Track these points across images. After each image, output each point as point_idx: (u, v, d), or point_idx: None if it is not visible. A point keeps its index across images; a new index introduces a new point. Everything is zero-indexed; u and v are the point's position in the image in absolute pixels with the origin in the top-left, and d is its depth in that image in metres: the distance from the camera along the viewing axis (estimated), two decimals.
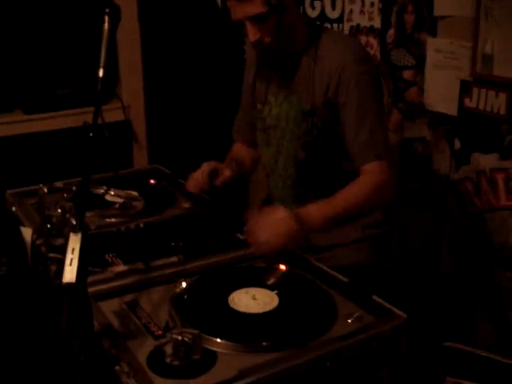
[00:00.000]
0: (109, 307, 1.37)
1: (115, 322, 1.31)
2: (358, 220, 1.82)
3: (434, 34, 2.40)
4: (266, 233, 1.55)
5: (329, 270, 1.51)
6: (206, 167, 1.92)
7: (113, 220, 1.77)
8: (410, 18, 2.50)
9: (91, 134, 1.32)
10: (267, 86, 1.84)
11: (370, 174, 1.68)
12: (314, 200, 1.65)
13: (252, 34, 1.64)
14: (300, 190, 1.84)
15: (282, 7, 1.61)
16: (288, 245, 1.56)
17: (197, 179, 1.91)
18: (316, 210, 1.61)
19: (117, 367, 1.15)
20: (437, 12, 2.37)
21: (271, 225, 1.56)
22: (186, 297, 1.38)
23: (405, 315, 1.31)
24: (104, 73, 1.42)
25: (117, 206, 1.84)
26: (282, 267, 1.51)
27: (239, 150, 2.07)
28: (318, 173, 1.82)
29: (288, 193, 1.87)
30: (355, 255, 1.83)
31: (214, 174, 1.92)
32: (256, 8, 1.59)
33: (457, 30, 2.30)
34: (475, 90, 2.23)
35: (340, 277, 1.48)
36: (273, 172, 1.90)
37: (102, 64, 1.43)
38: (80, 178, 1.89)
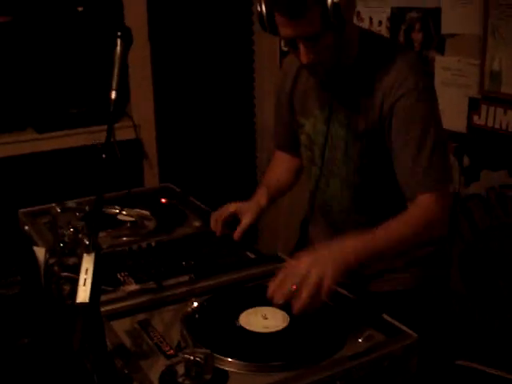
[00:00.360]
0: (121, 326, 1.38)
1: (127, 342, 1.32)
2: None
3: (441, 52, 2.41)
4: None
5: (338, 289, 1.51)
6: (224, 212, 1.81)
7: (124, 239, 1.79)
8: (417, 36, 2.52)
9: (104, 156, 1.34)
10: (311, 98, 1.70)
11: (421, 206, 1.50)
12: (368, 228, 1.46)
13: (304, 56, 1.48)
14: (354, 216, 1.70)
15: (340, 25, 1.44)
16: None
17: (220, 215, 1.82)
18: (353, 246, 1.41)
19: None
20: (444, 30, 2.39)
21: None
22: (197, 316, 1.38)
23: (415, 334, 1.31)
24: (116, 95, 1.45)
25: (128, 225, 1.85)
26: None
27: (279, 165, 1.96)
28: (376, 199, 1.66)
29: (341, 215, 1.73)
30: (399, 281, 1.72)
31: (234, 218, 1.81)
32: (312, 27, 1.43)
33: (464, 48, 2.32)
34: (484, 107, 2.24)
35: (349, 295, 1.48)
36: (321, 192, 1.75)
37: (114, 86, 1.46)
38: (92, 197, 1.92)
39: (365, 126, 1.58)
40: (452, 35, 2.38)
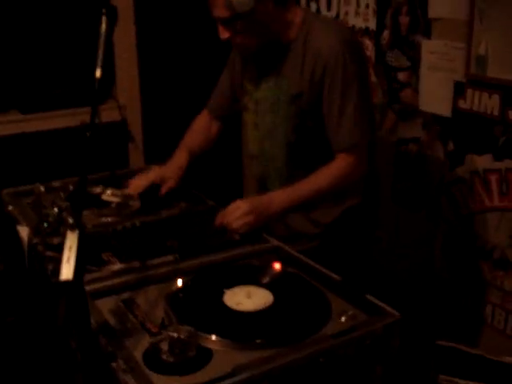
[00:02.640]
0: (105, 305, 1.38)
1: (112, 320, 1.32)
2: (322, 208, 1.90)
3: (428, 36, 2.42)
4: (234, 219, 1.71)
5: (322, 269, 1.52)
6: (151, 175, 1.97)
7: (109, 219, 1.79)
8: (404, 20, 2.52)
9: (88, 134, 1.33)
10: (258, 68, 1.89)
11: (343, 161, 1.78)
12: None
13: (220, 33, 1.76)
14: (291, 173, 1.89)
15: (248, 13, 1.67)
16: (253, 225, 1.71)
17: (138, 184, 1.95)
18: (279, 196, 1.78)
19: (113, 364, 1.16)
20: (431, 14, 2.40)
21: (236, 211, 1.72)
22: (181, 295, 1.39)
23: (397, 313, 1.33)
24: (101, 73, 1.44)
25: (113, 205, 1.85)
26: (277, 266, 1.52)
27: (203, 131, 2.15)
28: (309, 155, 1.87)
29: (277, 174, 1.92)
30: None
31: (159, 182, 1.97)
32: (220, 12, 1.69)
33: (451, 32, 2.32)
34: (469, 92, 2.25)
35: (333, 275, 1.49)
36: (261, 154, 1.95)
37: (99, 64, 1.44)
38: (77, 178, 1.92)
39: (299, 89, 1.78)
40: (438, 19, 2.38)
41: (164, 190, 1.94)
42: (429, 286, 2.25)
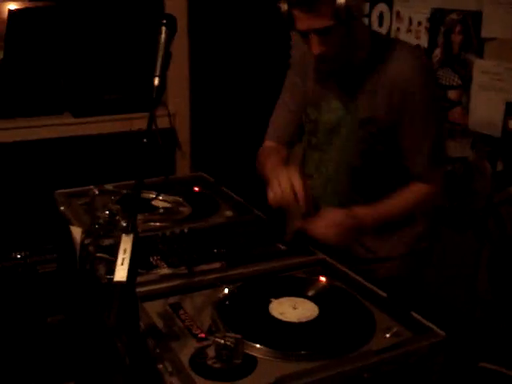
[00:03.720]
0: (153, 308, 1.41)
1: (159, 323, 1.35)
2: (398, 233, 1.84)
3: (480, 56, 2.41)
4: (324, 227, 1.63)
5: (368, 284, 1.53)
6: (294, 176, 1.63)
7: (158, 224, 1.82)
8: (457, 39, 2.51)
9: (145, 140, 1.37)
10: (323, 90, 1.80)
11: (425, 183, 1.75)
12: None
13: (315, 47, 1.60)
14: (351, 197, 1.82)
15: (350, 20, 1.55)
16: (343, 240, 1.65)
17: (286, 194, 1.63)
18: (371, 211, 1.71)
19: (160, 366, 1.19)
20: (484, 33, 2.38)
21: (330, 220, 1.65)
22: (227, 303, 1.41)
23: (443, 333, 1.32)
24: (159, 82, 1.48)
25: (162, 210, 1.88)
26: (322, 279, 1.53)
27: (276, 153, 1.92)
28: (373, 180, 1.81)
29: (335, 198, 1.85)
30: (395, 269, 1.84)
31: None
32: (323, 21, 1.54)
33: (504, 52, 2.31)
34: None
35: (379, 291, 1.50)
36: (320, 175, 1.87)
37: (157, 73, 1.49)
38: (128, 182, 1.96)
39: (370, 114, 1.71)
40: (492, 39, 2.37)
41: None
42: (473, 307, 2.23)
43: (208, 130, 3.28)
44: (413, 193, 1.76)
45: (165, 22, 1.53)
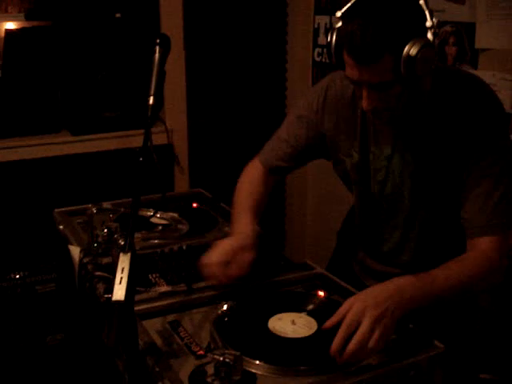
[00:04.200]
0: (152, 326, 1.41)
1: (158, 341, 1.35)
2: None
3: (475, 67, 2.42)
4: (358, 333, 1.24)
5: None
6: (219, 262, 1.53)
7: (156, 241, 1.82)
8: (451, 50, 2.53)
9: (141, 159, 1.38)
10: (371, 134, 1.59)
11: (483, 251, 1.45)
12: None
13: (367, 102, 1.40)
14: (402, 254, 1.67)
15: (411, 78, 1.34)
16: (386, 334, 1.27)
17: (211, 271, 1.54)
18: (409, 284, 1.34)
19: None
20: (478, 44, 2.40)
21: (353, 321, 1.25)
22: (226, 319, 1.41)
23: (442, 345, 1.32)
24: (154, 101, 1.49)
25: (160, 227, 1.89)
26: (321, 293, 1.54)
27: (264, 191, 1.78)
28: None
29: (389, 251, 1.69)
30: None
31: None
32: (380, 77, 1.34)
33: (498, 63, 2.32)
34: None
35: None
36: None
37: (152, 92, 1.50)
38: (126, 200, 1.96)
39: (430, 163, 1.53)
40: (486, 49, 2.38)
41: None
42: (472, 318, 2.22)
43: (206, 145, 3.29)
44: (467, 270, 1.42)
45: (159, 41, 1.55)
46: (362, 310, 1.26)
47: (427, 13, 1.34)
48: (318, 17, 3.27)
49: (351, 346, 1.23)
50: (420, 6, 1.34)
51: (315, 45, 3.31)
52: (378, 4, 1.32)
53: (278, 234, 3.54)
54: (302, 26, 3.35)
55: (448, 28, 2.52)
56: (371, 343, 1.23)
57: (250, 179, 1.81)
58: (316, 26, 3.28)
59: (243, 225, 1.65)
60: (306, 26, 3.32)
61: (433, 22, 1.34)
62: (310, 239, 3.57)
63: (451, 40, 2.51)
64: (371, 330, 1.24)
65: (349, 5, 1.37)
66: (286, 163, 1.77)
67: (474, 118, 1.47)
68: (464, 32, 2.44)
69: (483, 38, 2.39)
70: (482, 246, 1.46)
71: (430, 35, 1.34)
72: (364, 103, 1.41)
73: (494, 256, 1.45)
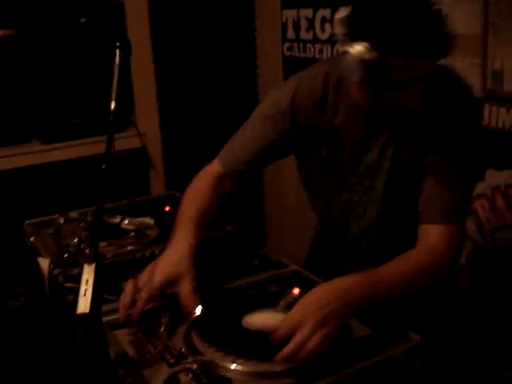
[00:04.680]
0: (124, 336, 1.38)
1: (130, 351, 1.32)
2: None
3: None
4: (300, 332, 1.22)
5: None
6: (151, 290, 1.42)
7: (128, 248, 1.80)
8: None
9: (104, 166, 1.35)
10: (349, 129, 1.56)
11: (431, 245, 1.44)
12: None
13: (363, 97, 1.42)
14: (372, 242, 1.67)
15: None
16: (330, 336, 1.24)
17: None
18: (357, 282, 1.32)
19: None
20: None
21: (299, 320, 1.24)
22: (200, 323, 1.39)
23: (418, 336, 1.31)
24: (116, 105, 1.46)
25: (132, 234, 1.86)
26: (296, 291, 1.52)
27: (215, 196, 1.67)
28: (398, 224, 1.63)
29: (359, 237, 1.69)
30: None
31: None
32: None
33: (466, 48, 2.31)
34: (486, 107, 2.23)
35: None
36: (346, 216, 1.67)
37: (113, 97, 1.48)
38: (94, 207, 1.93)
39: (403, 158, 1.54)
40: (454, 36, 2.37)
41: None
42: (453, 305, 2.22)
43: (180, 147, 3.27)
44: (415, 255, 1.43)
45: (118, 45, 1.52)
46: (306, 314, 1.24)
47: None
48: (285, 11, 3.26)
49: (288, 347, 1.20)
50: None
51: (284, 39, 3.30)
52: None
53: (257, 232, 3.52)
54: (270, 21, 3.33)
55: None
56: (310, 345, 1.20)
57: (199, 185, 1.69)
58: (284, 20, 3.27)
59: (178, 239, 1.53)
60: (275, 21, 3.31)
61: None
62: (291, 235, 3.56)
63: None
64: (312, 333, 1.21)
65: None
66: (249, 167, 1.67)
67: (447, 118, 1.48)
68: None
69: (451, 24, 2.37)
70: (432, 234, 1.45)
71: None
72: (357, 98, 1.44)
73: (441, 247, 1.44)
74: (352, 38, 1.30)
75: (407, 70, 1.31)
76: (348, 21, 1.32)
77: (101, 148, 2.88)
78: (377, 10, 1.30)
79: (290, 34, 3.24)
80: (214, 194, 1.66)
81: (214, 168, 1.71)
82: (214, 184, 1.67)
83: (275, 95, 1.65)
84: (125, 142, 2.88)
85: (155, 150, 3.17)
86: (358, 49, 1.28)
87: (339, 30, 1.33)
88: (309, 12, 3.09)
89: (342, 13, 1.34)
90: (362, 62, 1.29)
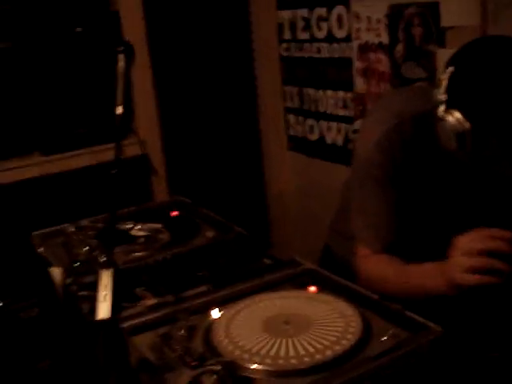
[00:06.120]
0: (143, 341, 1.37)
1: (151, 356, 1.31)
2: None
3: (442, 45, 2.41)
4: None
5: (359, 288, 1.50)
6: None
7: (139, 254, 1.78)
8: (417, 31, 2.52)
9: (113, 171, 1.34)
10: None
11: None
12: None
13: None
14: None
15: None
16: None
17: None
18: None
19: None
20: (444, 23, 2.39)
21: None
22: (216, 325, 1.38)
23: (440, 328, 1.30)
24: (122, 110, 1.45)
25: (142, 239, 1.85)
26: (312, 289, 1.51)
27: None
28: None
29: None
30: None
31: None
32: None
33: (465, 39, 2.29)
34: None
35: (371, 294, 1.47)
36: None
37: (119, 102, 1.46)
38: (104, 215, 1.92)
39: None
40: (451, 27, 2.37)
41: None
42: (475, 296, 2.20)
43: (182, 152, 3.26)
44: None
45: (122, 49, 1.51)
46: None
47: None
48: (280, 12, 3.26)
49: None
50: None
51: (280, 40, 3.30)
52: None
53: (262, 234, 3.51)
54: (266, 22, 3.33)
55: (412, 10, 2.52)
56: None
57: (382, 268, 1.60)
58: (280, 20, 3.27)
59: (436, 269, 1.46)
60: (271, 22, 3.31)
61: None
62: (297, 236, 3.55)
63: (416, 21, 2.50)
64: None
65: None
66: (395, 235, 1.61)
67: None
68: (429, 12, 2.44)
69: (448, 16, 2.38)
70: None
71: None
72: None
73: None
74: (453, 106, 1.32)
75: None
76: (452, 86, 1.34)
77: (102, 157, 2.92)
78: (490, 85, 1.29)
79: (287, 34, 3.24)
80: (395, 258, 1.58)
81: (375, 258, 1.62)
82: (387, 259, 1.59)
83: (374, 151, 1.60)
84: (126, 149, 2.84)
85: (157, 157, 3.16)
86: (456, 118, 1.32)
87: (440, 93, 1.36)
88: (305, 12, 3.09)
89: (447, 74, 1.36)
90: (458, 133, 1.31)
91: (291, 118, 3.40)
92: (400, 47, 2.61)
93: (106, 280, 1.14)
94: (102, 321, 1.09)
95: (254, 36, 3.36)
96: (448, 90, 1.35)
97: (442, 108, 1.35)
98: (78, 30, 3.01)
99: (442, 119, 1.35)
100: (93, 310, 1.41)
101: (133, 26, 3.02)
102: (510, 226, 1.52)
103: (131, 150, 2.94)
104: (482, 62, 1.34)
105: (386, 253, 1.58)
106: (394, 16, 2.60)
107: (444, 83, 1.36)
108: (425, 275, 1.45)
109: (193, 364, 1.25)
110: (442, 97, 1.36)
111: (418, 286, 1.44)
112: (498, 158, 1.36)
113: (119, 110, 1.47)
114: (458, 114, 1.31)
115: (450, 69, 1.37)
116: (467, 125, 1.30)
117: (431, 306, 1.49)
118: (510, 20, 2.13)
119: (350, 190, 1.66)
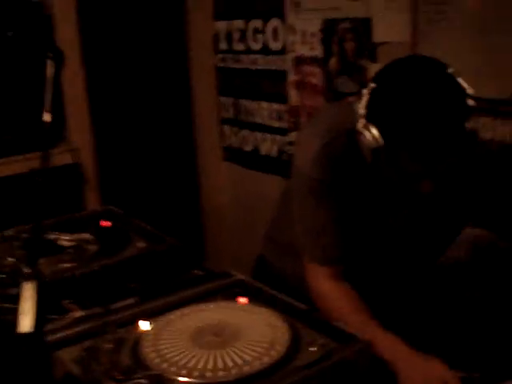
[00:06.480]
0: (68, 355, 1.33)
1: (76, 370, 1.27)
2: None
3: (374, 60, 2.47)
4: None
5: (288, 299, 1.50)
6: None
7: (67, 265, 1.74)
8: (350, 46, 2.57)
9: (39, 179, 1.30)
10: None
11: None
12: None
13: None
14: None
15: None
16: None
17: None
18: None
19: None
20: (375, 38, 2.45)
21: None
22: (144, 337, 1.36)
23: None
24: (50, 117, 1.41)
25: (70, 250, 1.81)
26: (243, 300, 1.50)
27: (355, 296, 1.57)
28: None
29: None
30: None
31: None
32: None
33: (396, 55, 2.35)
34: None
35: (299, 305, 1.48)
36: None
37: (47, 108, 1.42)
38: (30, 225, 1.86)
39: None
40: (383, 43, 2.43)
41: None
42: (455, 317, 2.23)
43: (115, 161, 3.21)
44: None
45: (51, 55, 1.48)
46: None
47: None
48: (217, 22, 3.26)
49: None
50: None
51: (216, 50, 3.30)
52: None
53: (197, 245, 3.49)
54: (202, 32, 3.33)
55: (346, 24, 2.57)
56: None
57: (331, 294, 1.58)
58: (216, 31, 3.27)
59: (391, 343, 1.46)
60: (207, 32, 3.31)
61: None
62: (232, 247, 3.55)
63: (349, 36, 2.55)
64: None
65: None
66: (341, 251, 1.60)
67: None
68: (361, 27, 2.49)
69: (380, 32, 2.44)
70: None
71: None
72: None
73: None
74: (370, 121, 1.36)
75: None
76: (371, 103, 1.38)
77: (27, 166, 2.84)
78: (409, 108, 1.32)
79: (223, 45, 3.25)
80: (349, 291, 1.57)
81: (321, 271, 1.60)
82: (339, 285, 1.58)
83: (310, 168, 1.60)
84: (58, 158, 2.80)
85: (89, 166, 3.10)
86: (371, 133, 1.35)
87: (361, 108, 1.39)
88: (241, 23, 3.11)
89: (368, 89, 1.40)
90: (373, 150, 1.36)
91: (226, 128, 3.41)
92: (333, 61, 2.65)
93: (28, 292, 1.10)
94: (24, 334, 1.05)
95: (190, 45, 3.35)
96: (368, 106, 1.38)
97: (361, 122, 1.39)
98: (9, 33, 2.93)
99: (361, 133, 1.38)
100: (15, 322, 1.37)
101: (66, 30, 2.96)
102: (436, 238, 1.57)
103: (63, 158, 2.90)
104: (399, 82, 1.38)
105: (332, 266, 1.58)
106: (328, 30, 2.64)
107: (365, 98, 1.39)
108: (384, 351, 1.44)
109: (119, 378, 1.23)
110: (362, 111, 1.39)
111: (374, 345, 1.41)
112: (411, 175, 1.39)
113: (47, 116, 1.42)
114: (373, 130, 1.35)
115: (372, 85, 1.40)
116: (381, 141, 1.33)
117: (411, 326, 1.51)
118: (440, 36, 2.20)
119: (292, 202, 1.66)
